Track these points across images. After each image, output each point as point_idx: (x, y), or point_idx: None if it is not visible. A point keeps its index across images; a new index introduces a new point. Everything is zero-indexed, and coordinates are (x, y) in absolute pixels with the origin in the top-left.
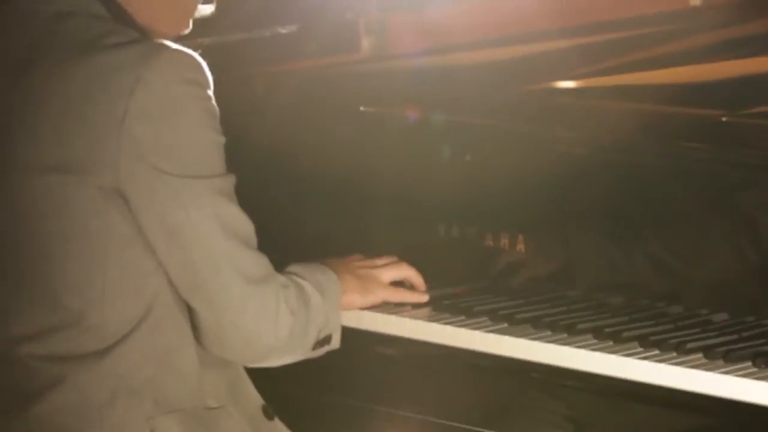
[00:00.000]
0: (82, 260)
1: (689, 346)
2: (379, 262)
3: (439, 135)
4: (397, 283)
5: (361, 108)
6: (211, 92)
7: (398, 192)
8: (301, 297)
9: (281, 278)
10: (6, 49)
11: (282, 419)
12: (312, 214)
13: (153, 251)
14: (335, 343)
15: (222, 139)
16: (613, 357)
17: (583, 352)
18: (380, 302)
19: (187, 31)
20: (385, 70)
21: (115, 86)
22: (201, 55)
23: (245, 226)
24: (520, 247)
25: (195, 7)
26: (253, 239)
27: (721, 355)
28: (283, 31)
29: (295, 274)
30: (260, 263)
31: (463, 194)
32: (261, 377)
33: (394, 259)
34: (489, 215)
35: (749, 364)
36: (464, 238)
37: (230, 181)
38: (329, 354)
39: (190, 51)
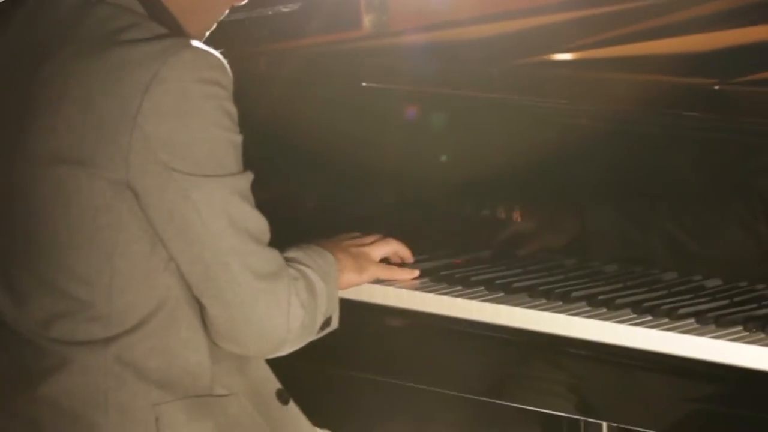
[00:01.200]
0: (90, 252)
1: (681, 311)
2: (368, 240)
3: (439, 109)
4: (385, 259)
5: (363, 84)
6: (229, 92)
7: (399, 165)
8: (309, 287)
9: (291, 271)
10: (29, 35)
11: (290, 391)
12: (315, 189)
13: (163, 247)
14: (335, 323)
15: (238, 138)
16: (606, 324)
17: (577, 319)
18: (374, 279)
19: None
20: (386, 46)
21: (132, 82)
22: (212, 35)
23: (257, 222)
24: (517, 217)
25: (227, 6)
26: (266, 235)
27: (713, 320)
28: (285, 9)
29: (297, 260)
30: (271, 259)
31: (461, 167)
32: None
33: (381, 236)
34: (487, 187)
35: (740, 328)
36: (463, 210)
37: (245, 178)
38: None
39: (211, 50)
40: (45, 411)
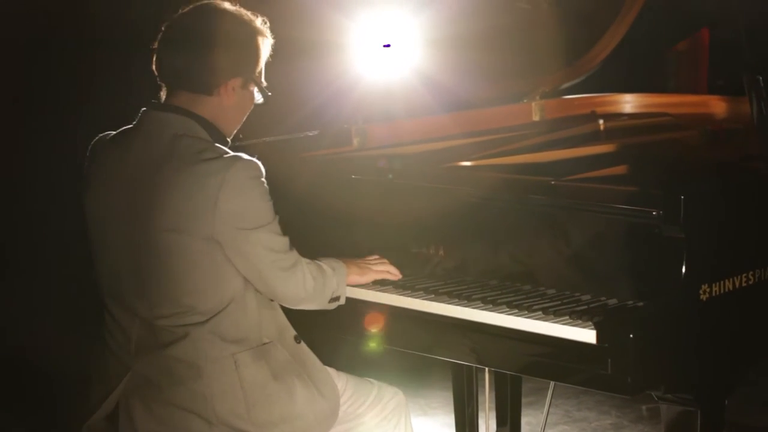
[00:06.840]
0: (196, 279)
1: (535, 307)
2: (372, 258)
3: (398, 192)
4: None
5: (353, 176)
6: (263, 177)
7: (376, 225)
8: (319, 269)
9: (305, 259)
10: (144, 154)
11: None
12: (326, 239)
13: (233, 266)
14: (342, 300)
15: (271, 202)
16: (489, 313)
17: (473, 310)
18: (370, 281)
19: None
20: (366, 155)
21: (211, 184)
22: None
23: (283, 242)
24: (441, 253)
25: (244, 116)
26: (287, 246)
27: (552, 311)
28: (310, 134)
29: (319, 260)
30: (291, 258)
31: (412, 225)
32: (296, 324)
33: (383, 259)
34: (425, 236)
35: (567, 317)
36: (410, 249)
37: (275, 220)
38: (338, 310)
39: (251, 158)
40: (171, 362)
